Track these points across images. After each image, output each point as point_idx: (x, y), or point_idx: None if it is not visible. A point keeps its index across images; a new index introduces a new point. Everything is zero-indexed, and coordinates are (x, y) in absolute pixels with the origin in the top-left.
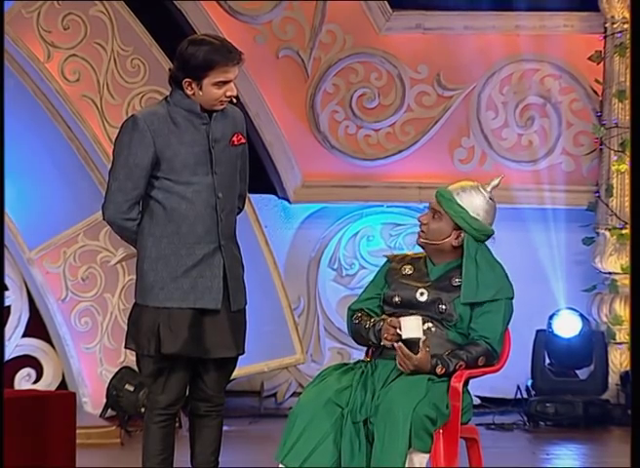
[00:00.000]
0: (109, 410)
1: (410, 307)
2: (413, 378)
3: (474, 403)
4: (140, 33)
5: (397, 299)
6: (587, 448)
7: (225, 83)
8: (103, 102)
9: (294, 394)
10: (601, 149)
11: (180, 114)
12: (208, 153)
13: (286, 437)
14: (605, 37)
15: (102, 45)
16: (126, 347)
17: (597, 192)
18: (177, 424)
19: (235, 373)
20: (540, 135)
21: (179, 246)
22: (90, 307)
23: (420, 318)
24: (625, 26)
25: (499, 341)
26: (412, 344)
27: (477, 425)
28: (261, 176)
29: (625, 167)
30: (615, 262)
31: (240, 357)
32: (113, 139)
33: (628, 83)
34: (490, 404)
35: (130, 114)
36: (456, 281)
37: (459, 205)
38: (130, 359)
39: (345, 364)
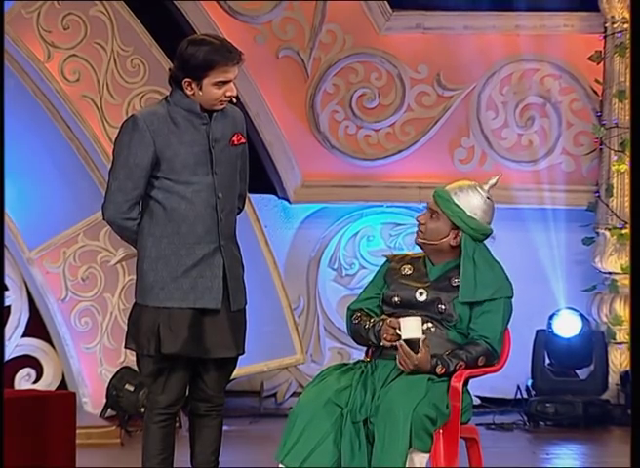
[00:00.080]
0: (109, 410)
1: (409, 307)
2: (413, 378)
3: (474, 403)
4: (140, 33)
5: (396, 299)
6: (587, 448)
7: (225, 83)
8: (103, 102)
9: (294, 394)
10: (601, 149)
11: (180, 114)
12: (208, 153)
13: (286, 437)
14: (605, 37)
15: (102, 45)
16: (126, 347)
17: (597, 192)
18: (177, 424)
19: (235, 373)
20: (540, 135)
21: (179, 246)
22: (90, 307)
23: (419, 318)
24: (625, 26)
25: (498, 341)
26: (412, 344)
27: (477, 425)
28: (261, 176)
29: (625, 167)
30: (615, 262)
31: (240, 357)
32: (113, 139)
33: (628, 83)
34: (490, 404)
35: (130, 114)
36: (455, 281)
37: (456, 204)
38: (130, 359)
39: (345, 364)
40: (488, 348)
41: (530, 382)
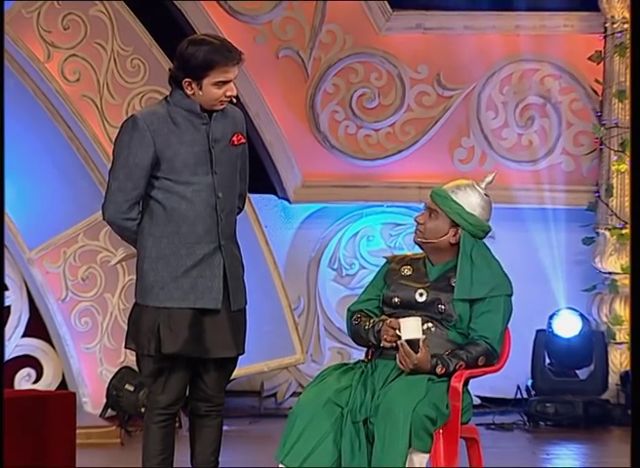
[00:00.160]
0: (109, 410)
1: (409, 308)
2: (413, 378)
3: (474, 403)
4: (140, 33)
5: (396, 300)
6: (587, 448)
7: (225, 83)
8: (103, 102)
9: (294, 394)
10: (601, 149)
11: (180, 114)
12: (208, 153)
13: (286, 437)
14: (605, 37)
15: (102, 45)
16: (126, 347)
17: (597, 192)
18: (177, 424)
19: (235, 373)
20: (540, 135)
21: (179, 246)
22: (90, 307)
23: (419, 319)
24: (625, 26)
25: (498, 341)
26: (412, 344)
27: (477, 425)
28: (261, 176)
29: (625, 167)
30: (615, 262)
31: (240, 357)
32: (113, 139)
33: (628, 83)
34: (490, 404)
35: (130, 114)
36: (454, 281)
37: (454, 201)
38: (130, 359)
39: (345, 364)
40: (488, 348)
41: (530, 382)
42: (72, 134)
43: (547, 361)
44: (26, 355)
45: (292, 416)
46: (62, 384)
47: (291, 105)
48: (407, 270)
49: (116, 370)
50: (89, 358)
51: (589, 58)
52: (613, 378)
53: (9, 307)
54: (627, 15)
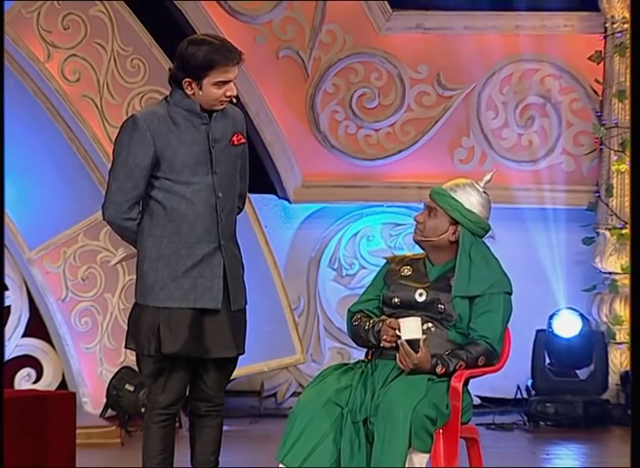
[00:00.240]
0: (109, 410)
1: (409, 308)
2: (413, 378)
3: (474, 403)
4: (140, 33)
5: (396, 300)
6: (587, 448)
7: (225, 83)
8: (103, 102)
9: (294, 394)
10: (601, 149)
11: (180, 114)
12: (208, 153)
13: (286, 437)
14: (605, 37)
15: (102, 45)
16: (126, 347)
17: (597, 192)
18: (177, 424)
19: (235, 373)
20: (540, 135)
21: (179, 246)
22: (90, 307)
23: (419, 319)
24: (625, 26)
25: (498, 341)
26: (412, 344)
27: (477, 425)
28: (261, 176)
29: (625, 167)
30: (615, 262)
31: (240, 357)
32: (113, 139)
33: (628, 83)
34: (490, 404)
35: (130, 114)
36: (453, 280)
37: (453, 199)
38: (130, 359)
39: (345, 364)
40: (488, 348)
41: (530, 382)
42: (72, 134)
43: (547, 361)
44: (26, 355)
45: (292, 416)
46: (62, 384)
47: (291, 105)
48: (407, 270)
49: (116, 370)
50: (89, 358)
51: (589, 58)
52: (613, 378)
53: (9, 307)
54: (627, 15)
